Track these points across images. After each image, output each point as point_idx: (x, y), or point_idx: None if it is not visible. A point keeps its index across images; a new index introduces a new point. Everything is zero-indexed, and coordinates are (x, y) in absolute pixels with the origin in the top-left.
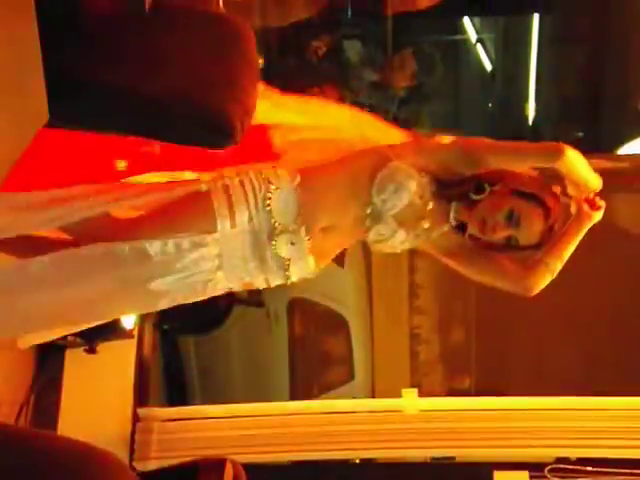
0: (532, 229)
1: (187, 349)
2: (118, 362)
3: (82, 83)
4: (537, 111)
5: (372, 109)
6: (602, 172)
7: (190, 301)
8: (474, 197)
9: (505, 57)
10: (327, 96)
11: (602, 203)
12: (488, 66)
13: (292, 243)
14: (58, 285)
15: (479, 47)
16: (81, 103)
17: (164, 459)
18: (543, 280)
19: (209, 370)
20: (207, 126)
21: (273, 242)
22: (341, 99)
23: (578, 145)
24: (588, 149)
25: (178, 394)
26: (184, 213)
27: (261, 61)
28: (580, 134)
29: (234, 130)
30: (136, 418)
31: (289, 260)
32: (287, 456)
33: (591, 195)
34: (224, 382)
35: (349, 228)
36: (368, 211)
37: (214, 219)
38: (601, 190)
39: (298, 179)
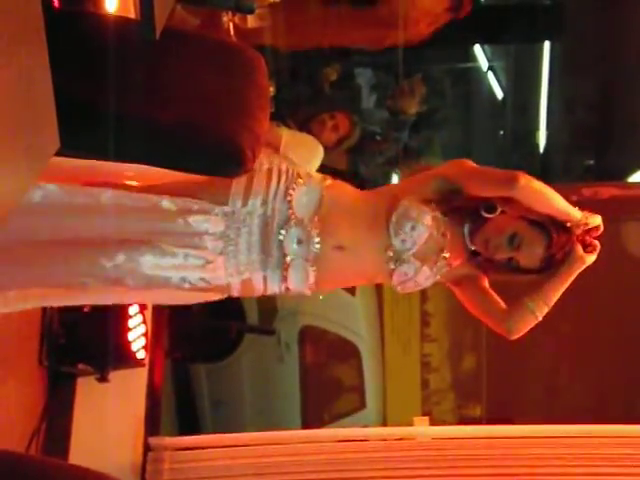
0: (532, 254)
1: (198, 377)
2: (129, 390)
3: (93, 112)
4: (548, 139)
5: (383, 137)
6: (613, 200)
7: (187, 283)
8: (485, 215)
9: (516, 85)
10: (338, 123)
11: (597, 244)
12: (499, 94)
13: (300, 242)
14: (61, 213)
15: (490, 75)
16: (91, 132)
17: None
18: (525, 323)
19: (220, 398)
20: (218, 155)
21: (282, 232)
22: (352, 125)
23: (589, 173)
24: (599, 177)
25: (189, 422)
26: (202, 184)
27: (272, 89)
28: (591, 162)
29: (246, 158)
30: (147, 447)
31: (291, 261)
32: None
33: (584, 227)
34: (236, 410)
35: (365, 264)
36: (390, 254)
37: (228, 194)
38: (611, 218)
39: (329, 182)
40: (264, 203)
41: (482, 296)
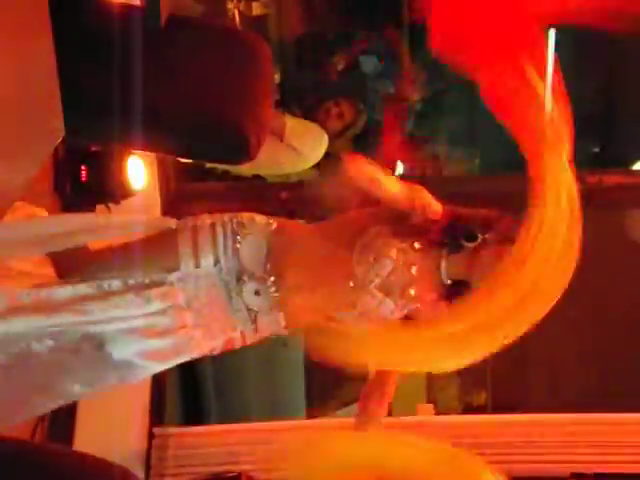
0: None
1: (203, 366)
2: None
3: (98, 99)
4: None
5: None
6: (618, 187)
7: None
8: (466, 244)
9: None
10: (343, 110)
11: None
12: None
13: (257, 293)
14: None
15: None
16: (97, 119)
17: (180, 475)
18: None
19: (225, 384)
20: (223, 142)
21: (241, 288)
22: (357, 113)
23: (594, 160)
24: (604, 164)
25: (194, 411)
26: (148, 249)
27: (277, 76)
28: (596, 149)
29: (250, 146)
30: (152, 436)
31: (256, 312)
32: None
33: None
34: (240, 396)
35: (329, 298)
36: (351, 284)
37: (177, 258)
38: (616, 206)
39: (274, 226)
40: (217, 262)
41: None
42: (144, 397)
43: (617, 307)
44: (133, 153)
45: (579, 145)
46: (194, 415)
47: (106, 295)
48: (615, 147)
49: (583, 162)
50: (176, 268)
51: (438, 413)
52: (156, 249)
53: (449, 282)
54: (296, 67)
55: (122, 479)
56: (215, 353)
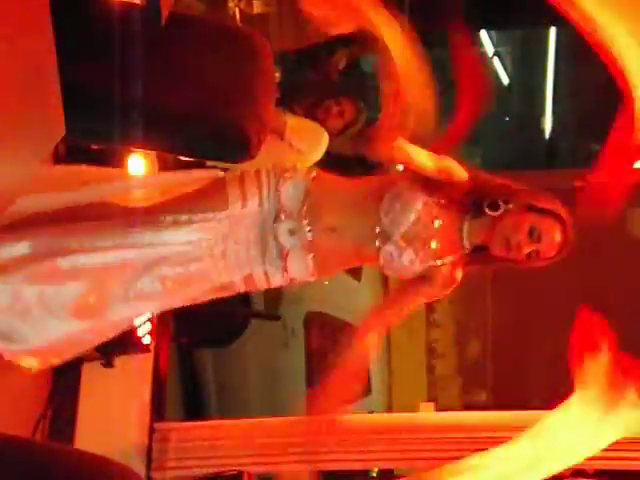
0: (552, 242)
1: (204, 363)
2: (135, 376)
3: (98, 98)
4: (554, 124)
5: None
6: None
7: (189, 294)
8: (489, 213)
9: (522, 71)
10: (343, 109)
11: None
12: (505, 80)
13: (292, 232)
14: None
15: (496, 60)
16: (97, 118)
17: (181, 469)
18: None
19: (226, 383)
20: (224, 141)
21: (275, 226)
22: (357, 111)
23: (595, 158)
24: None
25: (195, 407)
26: (199, 196)
27: (277, 75)
28: (597, 147)
29: (251, 145)
30: (153, 432)
31: (287, 251)
32: (304, 467)
33: None
34: (241, 395)
35: (355, 243)
36: (377, 230)
37: (226, 199)
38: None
39: (314, 174)
40: (260, 204)
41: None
42: (144, 393)
43: (617, 305)
44: (134, 151)
45: (580, 143)
46: (195, 409)
47: (156, 224)
48: None
49: (584, 160)
50: (224, 209)
51: (439, 411)
52: (207, 194)
53: (469, 247)
54: (297, 65)
55: (121, 477)
56: (237, 290)
